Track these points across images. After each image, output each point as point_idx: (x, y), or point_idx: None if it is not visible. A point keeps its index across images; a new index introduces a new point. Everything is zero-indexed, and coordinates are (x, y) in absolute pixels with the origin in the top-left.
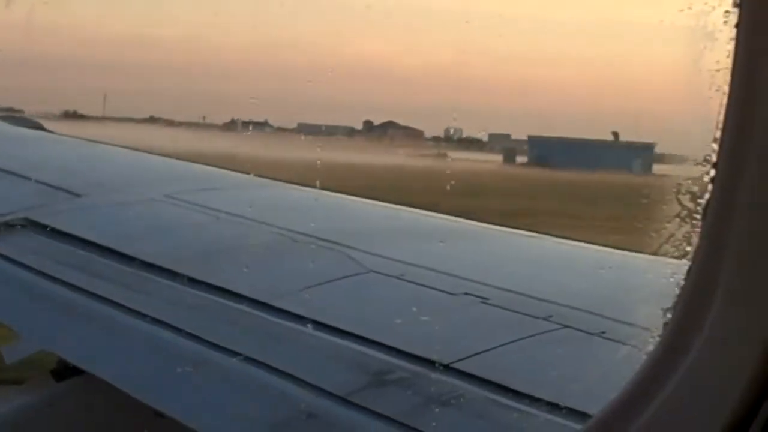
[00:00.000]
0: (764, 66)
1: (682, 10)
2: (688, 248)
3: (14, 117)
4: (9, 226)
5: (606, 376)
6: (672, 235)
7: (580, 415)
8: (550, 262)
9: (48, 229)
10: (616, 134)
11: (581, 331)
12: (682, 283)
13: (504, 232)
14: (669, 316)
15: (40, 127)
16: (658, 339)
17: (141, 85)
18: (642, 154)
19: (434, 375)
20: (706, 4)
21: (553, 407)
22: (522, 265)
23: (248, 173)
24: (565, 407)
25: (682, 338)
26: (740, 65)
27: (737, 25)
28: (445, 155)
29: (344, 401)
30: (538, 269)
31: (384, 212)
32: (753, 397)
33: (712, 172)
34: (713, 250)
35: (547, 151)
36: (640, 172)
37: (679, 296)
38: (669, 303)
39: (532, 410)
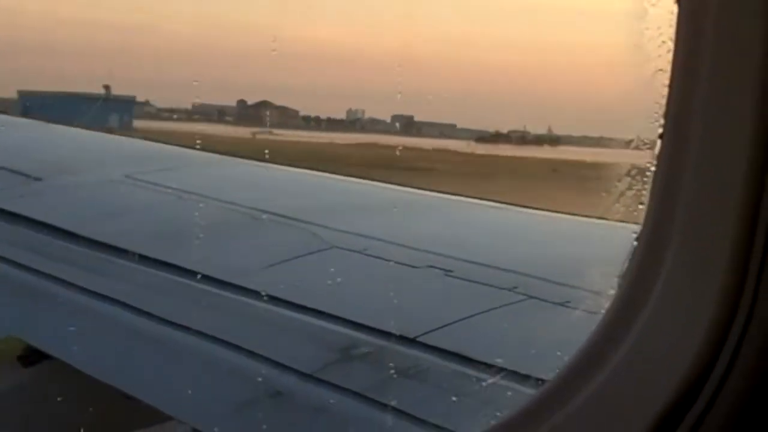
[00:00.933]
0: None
1: None
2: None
3: None
4: None
5: (571, 344)
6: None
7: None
8: (511, 231)
9: (8, 213)
10: (107, 87)
11: (546, 301)
12: (631, 251)
13: (463, 202)
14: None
15: None
16: (605, 309)
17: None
18: (122, 108)
19: (400, 349)
20: None
21: (519, 377)
22: (484, 236)
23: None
24: (533, 377)
25: (628, 310)
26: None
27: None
28: None
29: (311, 378)
30: (501, 239)
31: (344, 186)
32: (697, 374)
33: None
34: (660, 223)
35: (36, 105)
36: (117, 126)
37: (626, 266)
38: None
39: (498, 381)
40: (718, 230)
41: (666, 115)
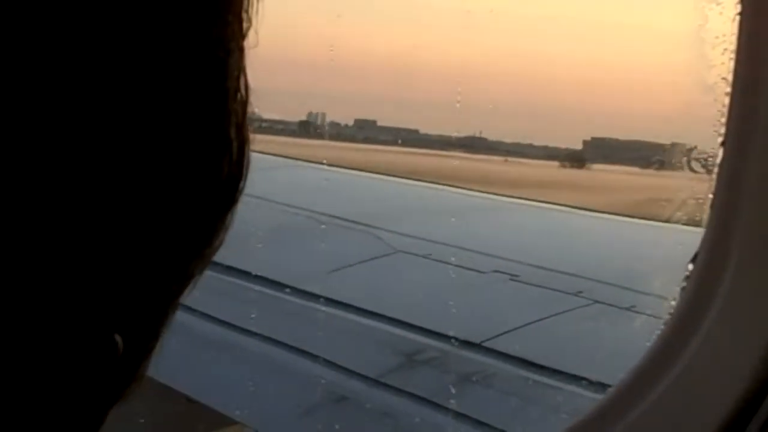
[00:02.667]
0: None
1: None
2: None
3: None
4: None
5: (636, 349)
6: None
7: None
8: (576, 234)
9: None
10: None
11: (611, 305)
12: (689, 271)
13: (528, 205)
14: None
15: None
16: (668, 316)
17: None
18: None
19: (465, 354)
20: None
21: (585, 382)
22: (549, 239)
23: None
24: (598, 382)
25: (691, 317)
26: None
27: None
28: None
29: (377, 383)
30: (566, 243)
31: (408, 190)
32: (750, 398)
33: (720, 155)
34: (718, 246)
35: None
36: None
37: (690, 273)
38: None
39: (562, 385)
40: None
41: (728, 122)
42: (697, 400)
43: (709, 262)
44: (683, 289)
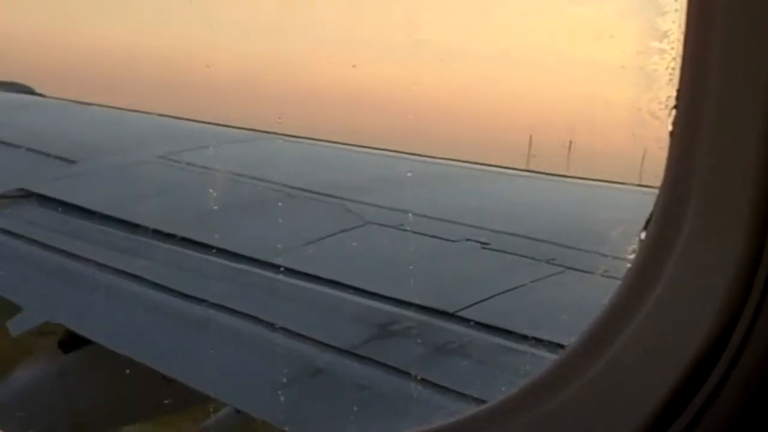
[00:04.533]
0: None
1: None
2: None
3: (3, 82)
4: (5, 197)
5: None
6: None
7: None
8: (544, 200)
9: (45, 198)
10: None
11: (585, 272)
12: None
13: (493, 171)
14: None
15: (31, 92)
16: (626, 271)
17: None
18: None
19: (439, 323)
20: None
21: (559, 348)
22: (517, 205)
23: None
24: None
25: (649, 271)
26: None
27: None
28: None
29: (351, 354)
30: (534, 208)
31: (375, 160)
32: (722, 328)
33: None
34: (679, 180)
35: None
36: None
37: (643, 236)
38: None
39: (538, 352)
40: (734, 201)
41: (679, 86)
42: (651, 359)
43: (662, 223)
44: (637, 250)
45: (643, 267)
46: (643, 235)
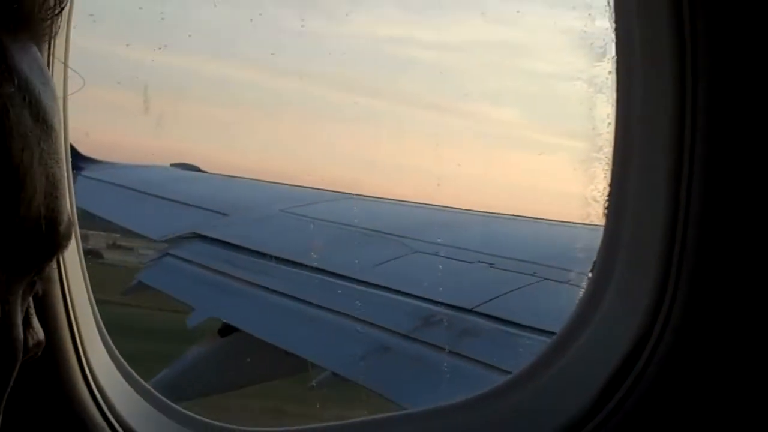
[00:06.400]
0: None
1: None
2: None
3: (179, 163)
4: (183, 238)
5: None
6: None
7: None
8: (530, 235)
9: (208, 238)
10: None
11: (555, 281)
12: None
13: (498, 217)
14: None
15: (198, 169)
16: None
17: None
18: None
19: (461, 316)
20: None
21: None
22: (514, 239)
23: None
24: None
25: (593, 299)
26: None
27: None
28: None
29: (407, 337)
30: (526, 240)
31: (421, 211)
32: (643, 331)
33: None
34: (610, 249)
35: None
36: None
37: (593, 265)
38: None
39: (530, 335)
40: (650, 242)
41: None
42: (596, 353)
43: (605, 257)
44: (585, 285)
45: (589, 297)
46: (590, 274)
